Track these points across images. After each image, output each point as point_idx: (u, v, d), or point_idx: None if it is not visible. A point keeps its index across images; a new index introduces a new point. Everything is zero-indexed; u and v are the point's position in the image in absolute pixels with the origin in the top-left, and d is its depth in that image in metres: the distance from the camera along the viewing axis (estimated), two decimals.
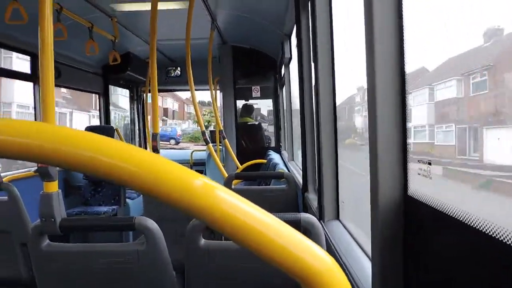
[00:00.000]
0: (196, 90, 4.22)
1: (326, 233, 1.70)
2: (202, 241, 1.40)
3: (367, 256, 1.35)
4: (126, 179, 0.42)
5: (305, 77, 2.54)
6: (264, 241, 0.42)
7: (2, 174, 2.73)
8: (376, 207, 0.95)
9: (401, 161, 0.90)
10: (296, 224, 1.35)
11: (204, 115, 28.36)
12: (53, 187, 1.49)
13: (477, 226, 0.63)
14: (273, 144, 6.25)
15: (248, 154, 5.49)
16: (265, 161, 4.91)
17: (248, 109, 6.18)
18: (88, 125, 7.55)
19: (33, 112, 4.36)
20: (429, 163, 0.80)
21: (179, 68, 6.60)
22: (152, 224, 1.45)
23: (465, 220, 0.67)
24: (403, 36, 0.92)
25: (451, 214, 0.71)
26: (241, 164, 4.69)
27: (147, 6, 3.48)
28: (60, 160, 0.42)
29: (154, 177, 0.42)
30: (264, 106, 6.59)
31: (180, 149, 7.57)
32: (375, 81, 0.90)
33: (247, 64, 5.72)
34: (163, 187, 0.42)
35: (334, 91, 1.87)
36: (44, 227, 1.45)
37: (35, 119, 4.35)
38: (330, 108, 1.89)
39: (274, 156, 4.78)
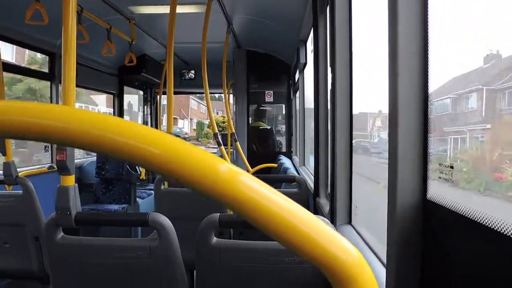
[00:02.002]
0: (210, 93, 4.25)
1: None
2: (214, 239, 1.41)
3: (381, 262, 1.34)
4: (156, 163, 0.43)
5: (321, 82, 2.55)
6: (292, 230, 0.43)
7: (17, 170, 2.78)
8: (393, 210, 0.94)
9: (421, 164, 0.90)
10: None
11: None
12: (70, 181, 1.52)
13: (503, 230, 0.62)
14: (284, 149, 6.24)
15: (258, 158, 5.50)
16: (275, 165, 4.90)
17: (261, 114, 6.20)
18: None
19: None
20: (451, 167, 0.79)
21: (193, 71, 6.67)
22: (165, 220, 1.46)
23: (490, 225, 0.66)
24: (427, 36, 0.91)
25: (475, 218, 0.71)
26: (252, 168, 4.69)
27: (165, 9, 3.52)
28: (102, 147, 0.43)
29: (183, 161, 0.42)
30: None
31: None
32: (397, 81, 0.90)
33: (261, 68, 5.74)
34: (191, 172, 0.42)
35: (351, 96, 1.87)
36: (60, 219, 1.48)
37: None
38: (346, 113, 1.89)
39: (285, 161, 4.77)
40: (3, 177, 2.65)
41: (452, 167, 0.79)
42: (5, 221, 2.52)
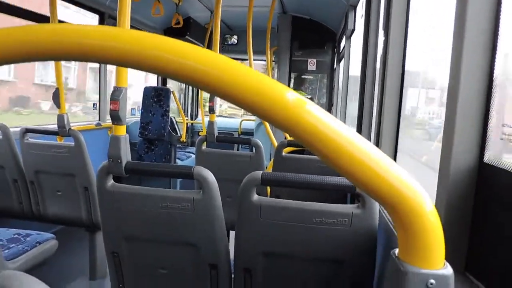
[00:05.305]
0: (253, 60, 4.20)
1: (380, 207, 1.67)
2: (255, 196, 1.44)
3: None
4: (224, 89, 0.43)
5: (370, 48, 2.45)
6: (358, 164, 0.42)
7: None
8: (446, 173, 0.91)
9: (480, 125, 0.85)
10: (351, 190, 1.35)
11: None
12: (122, 130, 1.58)
13: None
14: None
15: None
16: None
17: (302, 83, 6.10)
18: None
19: None
20: None
21: (235, 37, 6.61)
22: (208, 174, 1.50)
23: None
24: None
25: None
26: (290, 137, 4.68)
27: None
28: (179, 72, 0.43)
29: (250, 87, 0.42)
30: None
31: (230, 117, 7.74)
32: (463, 36, 0.84)
33: (305, 36, 5.59)
34: (257, 98, 0.42)
35: (404, 62, 1.79)
36: (111, 167, 1.55)
37: (100, 74, 4.59)
38: (397, 80, 1.82)
39: None
40: (56, 129, 2.81)
41: None
42: (58, 171, 2.69)
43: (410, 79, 2.11)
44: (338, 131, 0.42)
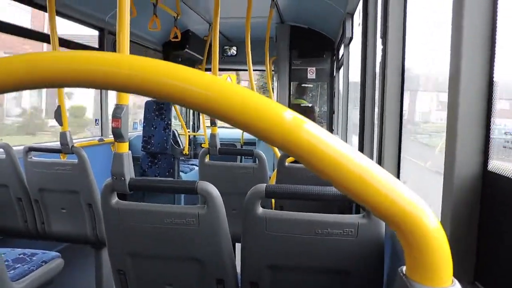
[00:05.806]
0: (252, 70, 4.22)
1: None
2: (260, 209, 1.43)
3: None
4: (220, 110, 0.43)
5: (369, 55, 2.46)
6: (360, 183, 0.42)
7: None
8: (450, 182, 0.91)
9: (483, 133, 0.85)
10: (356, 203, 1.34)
11: None
12: (124, 148, 1.59)
13: None
14: (325, 128, 6.14)
15: None
16: None
17: (302, 91, 6.12)
18: None
19: None
20: None
21: (234, 48, 6.65)
22: (212, 188, 1.50)
23: None
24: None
25: None
26: None
27: None
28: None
29: (248, 108, 0.42)
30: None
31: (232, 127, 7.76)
32: (461, 40, 0.84)
33: (304, 44, 5.63)
34: (255, 119, 0.42)
35: (403, 68, 1.79)
36: (115, 184, 1.55)
37: (100, 91, 4.62)
38: (397, 86, 1.82)
39: None
40: (59, 146, 2.82)
41: None
42: (61, 188, 2.69)
43: (419, 82, 2.11)
44: (339, 150, 0.42)
